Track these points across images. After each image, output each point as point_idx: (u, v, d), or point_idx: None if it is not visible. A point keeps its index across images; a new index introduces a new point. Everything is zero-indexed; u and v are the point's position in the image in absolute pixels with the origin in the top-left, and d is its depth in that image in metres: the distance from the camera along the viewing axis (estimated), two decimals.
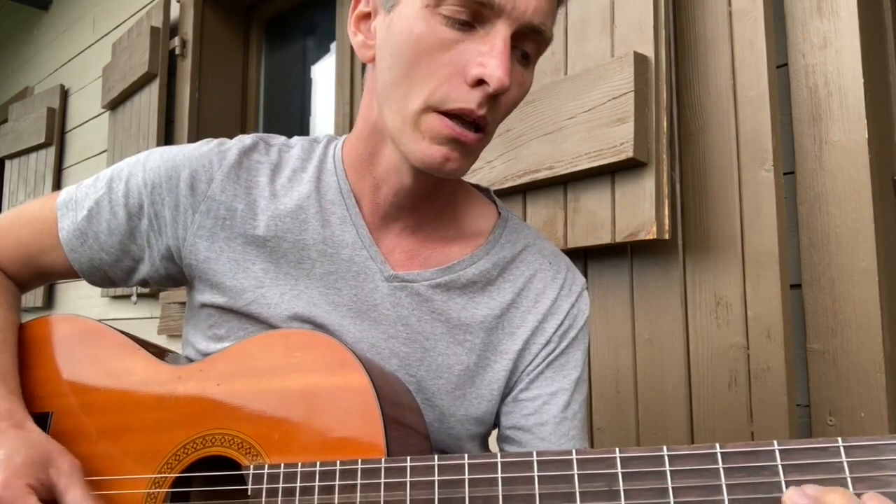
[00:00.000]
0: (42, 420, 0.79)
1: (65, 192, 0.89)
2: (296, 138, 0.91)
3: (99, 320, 0.86)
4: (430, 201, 0.85)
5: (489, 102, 0.72)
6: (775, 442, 0.56)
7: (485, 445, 0.93)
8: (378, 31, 0.78)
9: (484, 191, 0.96)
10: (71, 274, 0.89)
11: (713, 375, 1.28)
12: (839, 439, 0.54)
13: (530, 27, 0.72)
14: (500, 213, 0.93)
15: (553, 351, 0.88)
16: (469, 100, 0.71)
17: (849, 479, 0.53)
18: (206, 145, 0.86)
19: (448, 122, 0.72)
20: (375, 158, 0.82)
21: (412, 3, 0.72)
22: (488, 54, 0.70)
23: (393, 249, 0.85)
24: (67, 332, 0.85)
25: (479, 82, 0.70)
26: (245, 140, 0.87)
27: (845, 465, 0.53)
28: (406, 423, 0.74)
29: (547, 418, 0.86)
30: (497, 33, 0.70)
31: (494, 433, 0.93)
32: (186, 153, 0.85)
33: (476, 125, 0.73)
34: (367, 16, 0.80)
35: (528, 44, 0.74)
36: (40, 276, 0.91)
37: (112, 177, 0.86)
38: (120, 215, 0.84)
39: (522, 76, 0.76)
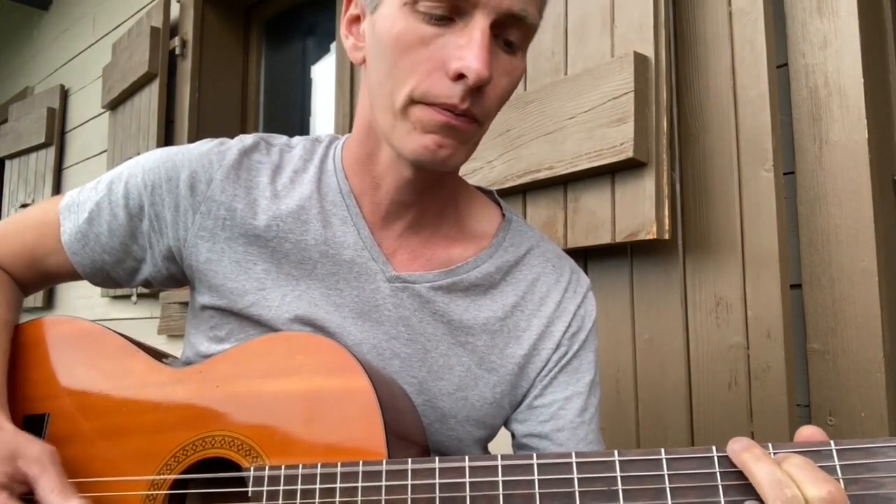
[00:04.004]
0: (38, 421, 0.79)
1: (68, 196, 0.89)
2: (297, 138, 0.91)
3: (98, 321, 0.86)
4: (430, 199, 0.85)
5: (472, 95, 0.71)
6: (770, 445, 0.56)
7: (486, 451, 0.92)
8: (366, 33, 0.78)
9: (488, 193, 0.96)
10: (74, 276, 0.89)
11: (713, 375, 1.28)
12: (832, 442, 0.55)
13: (510, 15, 0.71)
14: (504, 216, 0.92)
15: (565, 354, 0.88)
16: (451, 94, 0.70)
17: (841, 481, 0.53)
18: (206, 145, 0.86)
19: (436, 108, 0.71)
20: (373, 158, 0.82)
21: (392, 3, 0.72)
22: (466, 47, 0.69)
23: (395, 250, 0.85)
24: (64, 334, 0.85)
25: (460, 76, 0.69)
26: (246, 140, 0.87)
27: (838, 467, 0.54)
28: (405, 430, 0.74)
29: (564, 423, 0.86)
30: (475, 25, 0.69)
31: (503, 441, 0.93)
32: (186, 153, 0.84)
33: (465, 115, 0.72)
34: (356, 18, 0.81)
35: (512, 31, 0.73)
36: (44, 278, 0.91)
37: (112, 179, 0.86)
38: (120, 216, 0.84)
39: (510, 64, 0.75)
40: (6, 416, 0.76)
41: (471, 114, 0.72)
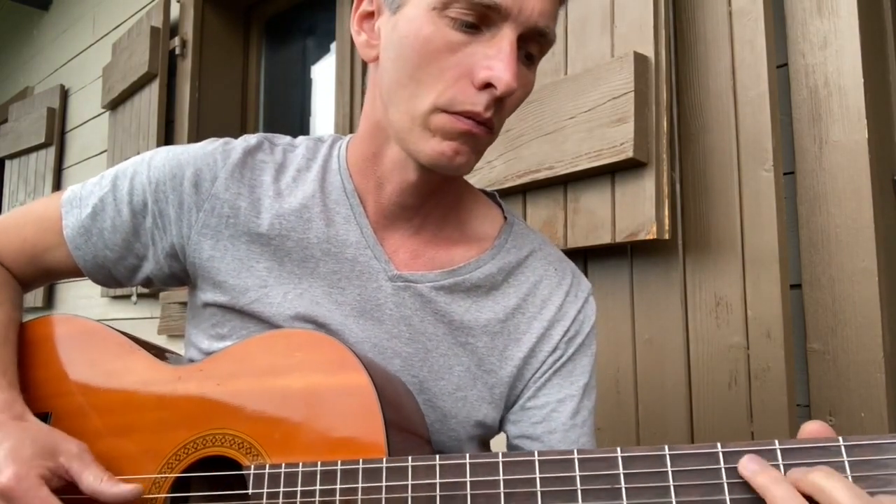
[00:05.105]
0: (40, 420, 0.79)
1: (70, 191, 0.89)
2: (300, 138, 0.91)
3: (99, 320, 0.86)
4: (435, 201, 0.85)
5: (496, 105, 0.73)
6: (776, 441, 0.56)
7: (485, 449, 0.92)
8: (382, 32, 0.78)
9: (490, 195, 0.96)
10: (75, 272, 0.89)
11: (713, 375, 1.28)
12: (840, 438, 0.54)
13: (536, 30, 0.72)
14: (506, 218, 0.93)
15: (560, 357, 0.88)
16: (477, 102, 0.72)
17: (849, 478, 0.53)
18: (211, 144, 0.86)
19: (459, 117, 0.73)
20: (379, 157, 0.82)
21: (418, 5, 0.72)
22: (495, 58, 0.70)
23: (397, 249, 0.85)
24: (67, 333, 0.85)
25: (487, 85, 0.71)
26: (250, 140, 0.87)
27: (846, 464, 0.54)
28: (407, 425, 0.74)
29: (556, 426, 0.86)
30: (504, 36, 0.71)
31: (499, 440, 0.93)
32: (191, 152, 0.85)
33: (485, 124, 0.74)
34: (370, 15, 0.80)
35: (533, 45, 0.75)
36: (45, 274, 0.91)
37: (117, 175, 0.86)
38: (124, 213, 0.85)
39: (527, 77, 0.77)
40: (29, 411, 0.77)
41: (491, 123, 0.74)
